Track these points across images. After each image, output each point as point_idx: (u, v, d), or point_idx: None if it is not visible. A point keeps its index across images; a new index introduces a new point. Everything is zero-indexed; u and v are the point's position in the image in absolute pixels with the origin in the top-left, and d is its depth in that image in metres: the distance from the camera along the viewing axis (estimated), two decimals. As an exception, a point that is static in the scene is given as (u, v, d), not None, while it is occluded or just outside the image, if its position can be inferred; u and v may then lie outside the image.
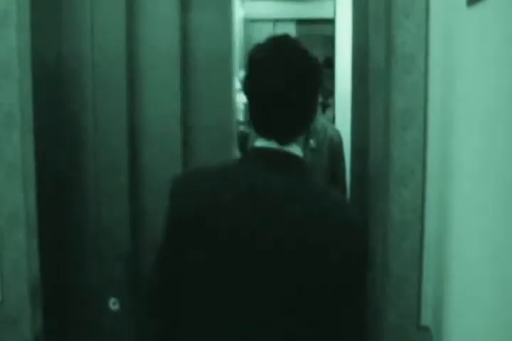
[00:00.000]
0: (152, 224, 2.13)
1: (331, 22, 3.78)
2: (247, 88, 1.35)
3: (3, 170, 1.81)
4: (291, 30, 5.10)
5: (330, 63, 3.94)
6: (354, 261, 1.24)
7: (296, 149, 1.33)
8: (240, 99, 2.91)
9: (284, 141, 1.31)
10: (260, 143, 1.34)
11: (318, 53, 3.26)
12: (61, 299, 1.96)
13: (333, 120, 4.56)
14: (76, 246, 1.97)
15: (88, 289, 1.97)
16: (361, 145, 1.93)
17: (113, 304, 1.96)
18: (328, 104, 5.07)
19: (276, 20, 4.87)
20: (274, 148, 1.32)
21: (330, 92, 4.88)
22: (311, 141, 2.96)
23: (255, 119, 1.35)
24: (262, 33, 5.10)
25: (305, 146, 1.39)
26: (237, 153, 2.28)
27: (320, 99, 1.71)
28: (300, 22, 4.94)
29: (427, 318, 1.79)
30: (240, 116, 2.92)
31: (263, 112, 1.33)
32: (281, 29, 4.94)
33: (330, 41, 3.86)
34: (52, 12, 1.90)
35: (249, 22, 4.74)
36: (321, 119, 3.13)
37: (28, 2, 1.78)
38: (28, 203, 1.82)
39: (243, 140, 2.85)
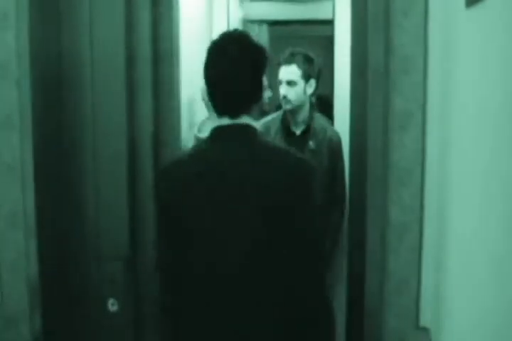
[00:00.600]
0: (151, 225, 2.14)
1: (329, 23, 3.78)
2: (204, 75, 1.62)
3: (2, 171, 1.81)
4: (287, 31, 5.11)
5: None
6: (302, 184, 1.55)
7: (246, 120, 1.61)
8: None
9: (233, 115, 1.60)
10: (218, 121, 1.62)
11: (318, 54, 3.25)
12: (60, 299, 1.96)
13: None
14: (75, 246, 1.97)
15: (87, 290, 1.97)
16: (360, 145, 1.93)
17: (112, 305, 1.96)
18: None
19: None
20: (227, 123, 1.60)
21: None
22: (311, 142, 2.96)
23: (212, 101, 1.63)
24: (261, 34, 5.09)
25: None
26: None
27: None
28: (297, 23, 4.94)
29: (425, 319, 1.80)
30: None
31: (215, 94, 1.61)
32: (274, 30, 4.95)
33: (330, 42, 3.86)
34: (50, 13, 1.89)
35: (249, 23, 4.74)
36: (320, 120, 3.14)
37: (26, 3, 1.78)
38: (26, 204, 1.82)
39: None
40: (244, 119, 1.60)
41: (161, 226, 1.63)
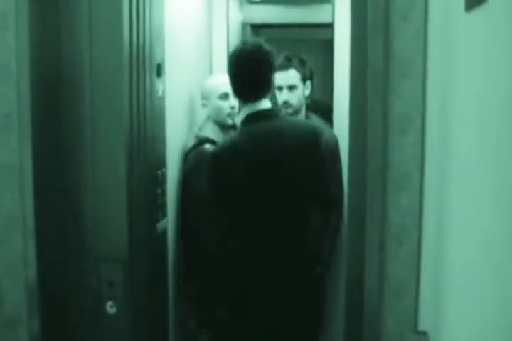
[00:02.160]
0: (150, 227, 2.13)
1: (329, 26, 3.78)
2: (232, 74, 2.52)
3: (1, 173, 1.81)
4: (287, 34, 5.12)
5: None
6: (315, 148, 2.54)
7: (267, 104, 2.51)
8: (230, 103, 2.95)
9: (257, 99, 2.47)
10: (248, 108, 2.49)
11: (318, 58, 3.28)
12: (58, 302, 1.95)
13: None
14: (73, 249, 1.96)
15: (85, 292, 1.97)
16: (359, 149, 1.93)
17: (110, 307, 1.96)
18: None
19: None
20: (263, 108, 2.48)
21: None
22: None
23: (239, 93, 2.52)
24: (260, 38, 5.09)
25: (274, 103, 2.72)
26: None
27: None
28: (297, 26, 4.95)
29: (424, 323, 1.79)
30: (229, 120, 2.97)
31: (243, 87, 2.50)
32: (274, 34, 4.96)
33: (329, 45, 3.86)
34: (50, 13, 1.89)
35: (248, 26, 4.75)
36: (316, 123, 3.14)
37: (26, 4, 1.78)
38: (25, 206, 1.82)
39: None
40: (266, 104, 2.50)
41: (218, 194, 2.48)
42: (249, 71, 2.44)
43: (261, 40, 2.56)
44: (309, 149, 2.50)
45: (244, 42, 2.59)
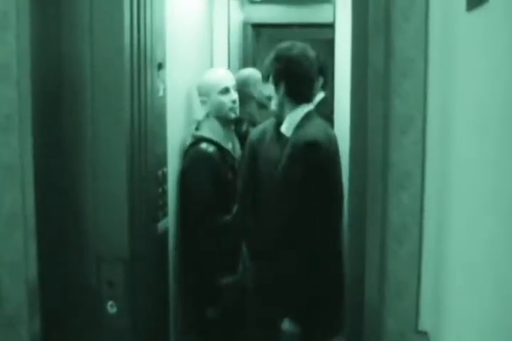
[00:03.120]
0: (150, 227, 2.13)
1: (330, 26, 3.79)
2: (288, 78, 2.56)
3: (2, 173, 1.81)
4: (288, 34, 5.12)
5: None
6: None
7: (311, 105, 2.64)
8: (231, 97, 2.93)
9: (310, 101, 2.62)
10: (304, 108, 2.57)
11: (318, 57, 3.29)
12: (59, 302, 1.96)
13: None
14: (74, 248, 1.97)
15: (86, 292, 1.97)
16: (360, 149, 1.93)
17: (111, 307, 1.96)
18: None
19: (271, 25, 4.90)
20: (309, 109, 2.59)
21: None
22: None
23: (296, 96, 2.58)
24: (261, 38, 5.09)
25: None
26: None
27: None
28: (298, 26, 4.96)
29: (425, 323, 1.79)
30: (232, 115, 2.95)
31: (297, 89, 2.57)
32: (275, 34, 4.96)
33: (330, 45, 3.86)
34: (51, 13, 1.90)
35: (249, 26, 4.75)
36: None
37: (27, 4, 1.78)
38: (26, 205, 1.82)
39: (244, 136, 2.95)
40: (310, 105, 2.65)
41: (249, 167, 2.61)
42: (304, 75, 2.58)
43: (304, 43, 2.64)
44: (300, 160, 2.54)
45: (291, 46, 2.60)
